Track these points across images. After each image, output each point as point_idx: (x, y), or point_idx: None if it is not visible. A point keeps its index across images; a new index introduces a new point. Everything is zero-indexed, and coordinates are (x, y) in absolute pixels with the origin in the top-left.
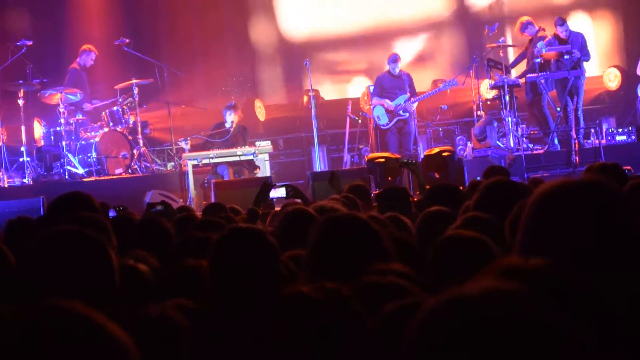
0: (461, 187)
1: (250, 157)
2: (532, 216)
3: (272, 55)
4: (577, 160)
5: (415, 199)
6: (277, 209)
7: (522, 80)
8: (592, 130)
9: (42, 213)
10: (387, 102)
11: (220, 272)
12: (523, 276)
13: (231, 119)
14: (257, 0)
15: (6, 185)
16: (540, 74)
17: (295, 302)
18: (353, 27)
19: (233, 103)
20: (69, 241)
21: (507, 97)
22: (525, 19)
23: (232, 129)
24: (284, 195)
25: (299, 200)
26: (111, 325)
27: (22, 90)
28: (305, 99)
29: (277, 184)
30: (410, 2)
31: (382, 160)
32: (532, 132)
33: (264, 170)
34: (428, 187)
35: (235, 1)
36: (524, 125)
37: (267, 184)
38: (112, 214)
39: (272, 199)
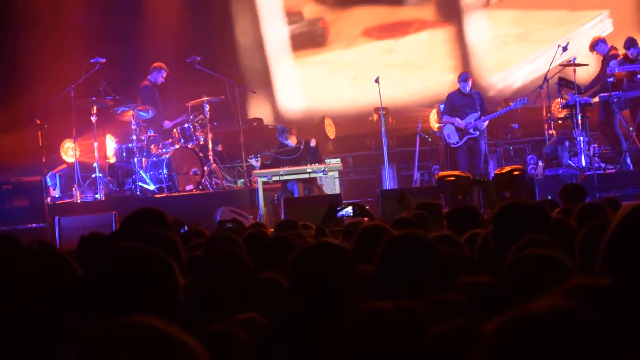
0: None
1: (320, 174)
2: (618, 237)
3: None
4: None
5: (486, 217)
6: None
7: (595, 100)
8: None
9: (114, 228)
10: (458, 121)
11: (299, 287)
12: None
13: (290, 142)
14: None
15: (79, 201)
16: (612, 93)
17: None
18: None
19: (282, 128)
20: (134, 258)
21: (579, 117)
22: (596, 37)
23: (302, 147)
24: (351, 214)
25: (366, 219)
26: (189, 338)
27: (95, 107)
28: (375, 116)
29: (344, 201)
30: None
31: (453, 178)
32: (604, 152)
33: (334, 187)
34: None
35: None
36: (596, 145)
37: (333, 204)
38: (182, 231)
39: (342, 217)
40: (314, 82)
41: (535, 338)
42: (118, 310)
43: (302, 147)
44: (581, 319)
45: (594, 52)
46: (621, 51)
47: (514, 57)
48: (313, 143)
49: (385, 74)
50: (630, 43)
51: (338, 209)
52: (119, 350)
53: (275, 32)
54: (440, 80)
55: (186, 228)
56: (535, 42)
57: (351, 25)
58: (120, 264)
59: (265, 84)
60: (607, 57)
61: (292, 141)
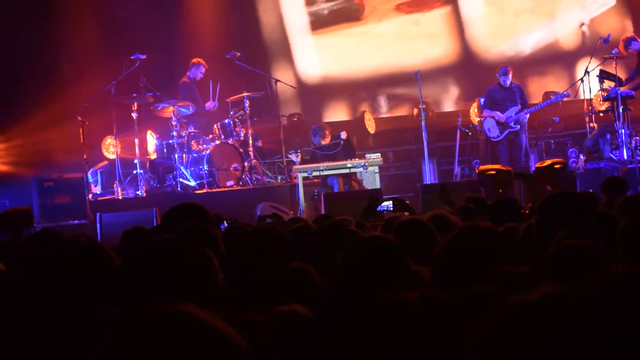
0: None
1: (360, 169)
2: None
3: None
4: None
5: (527, 211)
6: None
7: (636, 92)
8: None
9: (155, 224)
10: (498, 114)
11: (348, 278)
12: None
13: (324, 142)
14: None
15: (120, 197)
16: None
17: (393, 309)
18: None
19: (316, 128)
20: (169, 249)
21: (620, 109)
22: (628, 34)
23: (342, 141)
24: (391, 208)
25: (406, 213)
26: (227, 327)
27: (135, 104)
28: (415, 111)
29: (384, 197)
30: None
31: (493, 172)
32: None
33: (374, 182)
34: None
35: None
36: (638, 137)
37: (373, 199)
38: (223, 226)
39: (382, 211)
40: (348, 52)
41: (530, 329)
42: (156, 300)
43: (341, 142)
44: (580, 304)
45: (629, 51)
46: None
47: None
48: (344, 135)
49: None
50: None
51: (378, 203)
52: (157, 337)
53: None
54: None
55: (226, 224)
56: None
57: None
58: (159, 254)
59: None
60: None
61: (326, 141)
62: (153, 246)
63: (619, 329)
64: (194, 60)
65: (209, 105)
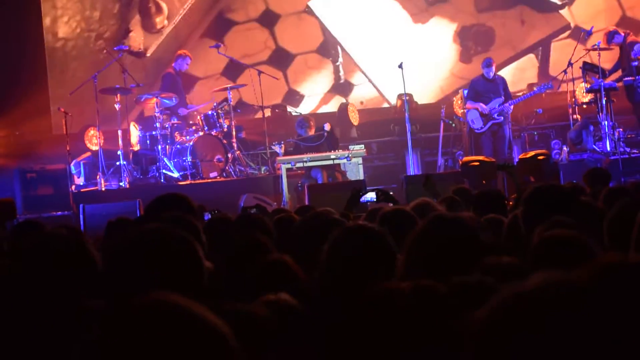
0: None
1: (344, 160)
2: None
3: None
4: None
5: (511, 202)
6: None
7: (619, 84)
8: None
9: (138, 215)
10: (482, 106)
11: (336, 268)
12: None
13: (310, 133)
14: None
15: (103, 189)
16: (637, 77)
17: (389, 298)
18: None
19: (302, 120)
20: (154, 239)
21: (603, 101)
22: (610, 28)
23: (326, 133)
24: (375, 199)
25: (390, 204)
26: (212, 315)
27: (118, 95)
28: (398, 102)
29: (368, 188)
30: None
31: (477, 163)
32: (628, 136)
33: (358, 174)
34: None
35: None
36: (621, 129)
37: (356, 190)
38: (206, 217)
39: (366, 202)
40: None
41: (530, 316)
42: (142, 291)
43: (325, 133)
44: (579, 292)
45: (612, 45)
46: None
47: None
48: (327, 127)
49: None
50: None
51: (361, 194)
52: (142, 326)
53: None
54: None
55: (210, 215)
56: None
57: None
58: (144, 244)
59: None
60: (628, 43)
61: (311, 133)
62: (138, 236)
63: (612, 318)
64: (180, 51)
65: (183, 111)
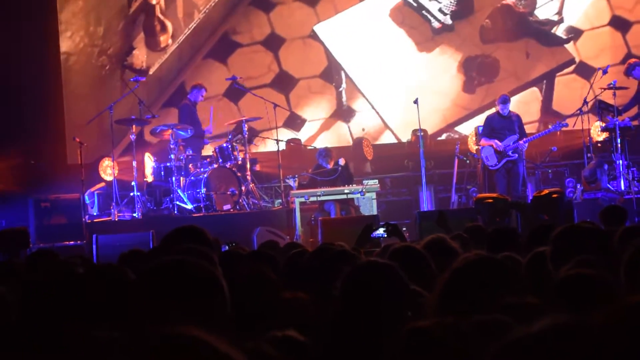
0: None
1: (357, 195)
2: None
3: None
4: None
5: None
6: None
7: (635, 123)
8: None
9: (151, 247)
10: (497, 143)
11: (351, 304)
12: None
13: (328, 165)
14: None
15: (117, 219)
16: None
17: (415, 337)
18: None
19: (324, 150)
20: (178, 271)
21: (618, 140)
22: (632, 60)
23: (340, 167)
24: (385, 236)
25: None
26: (234, 351)
27: (134, 126)
28: (412, 138)
29: (381, 223)
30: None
31: (491, 200)
32: None
33: (371, 209)
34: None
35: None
36: (635, 168)
37: (368, 226)
38: (224, 249)
39: (378, 237)
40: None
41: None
42: (162, 322)
43: (339, 168)
44: (583, 335)
45: (630, 77)
46: None
47: None
48: (342, 162)
49: None
50: None
51: (372, 230)
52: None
53: None
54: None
55: (227, 247)
56: None
57: None
58: (167, 274)
59: None
60: None
61: (331, 165)
62: (161, 267)
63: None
64: (195, 83)
65: (208, 128)
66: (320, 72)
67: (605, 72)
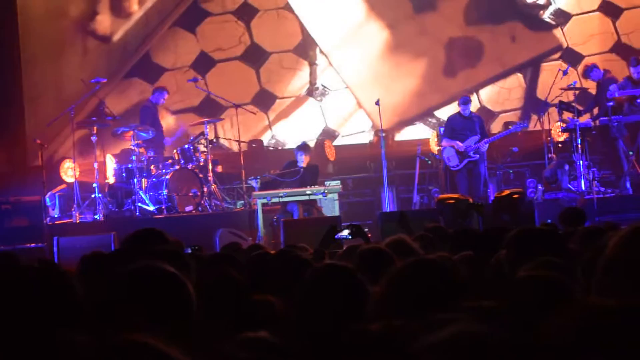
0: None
1: (320, 196)
2: (614, 258)
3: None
4: None
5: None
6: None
7: (595, 124)
8: None
9: (112, 249)
10: (458, 144)
11: (309, 308)
12: (603, 315)
13: (302, 159)
14: None
15: (78, 222)
16: (612, 117)
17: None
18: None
19: (305, 144)
20: (144, 276)
21: (579, 140)
22: (589, 63)
23: (302, 169)
24: (349, 237)
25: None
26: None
27: (95, 128)
28: (375, 139)
29: (344, 224)
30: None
31: (452, 201)
32: (603, 176)
33: (334, 210)
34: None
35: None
36: (596, 169)
37: (333, 227)
38: (186, 252)
39: (340, 239)
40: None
41: None
42: (130, 328)
43: (302, 169)
44: (488, 343)
45: (588, 79)
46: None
47: None
48: (303, 163)
49: None
50: (635, 62)
51: (337, 231)
52: None
53: None
54: None
55: (190, 250)
56: None
57: None
58: (134, 280)
59: None
60: (605, 81)
61: (304, 159)
62: (129, 273)
63: None
64: (158, 85)
65: (168, 140)
66: (294, 47)
67: (565, 72)
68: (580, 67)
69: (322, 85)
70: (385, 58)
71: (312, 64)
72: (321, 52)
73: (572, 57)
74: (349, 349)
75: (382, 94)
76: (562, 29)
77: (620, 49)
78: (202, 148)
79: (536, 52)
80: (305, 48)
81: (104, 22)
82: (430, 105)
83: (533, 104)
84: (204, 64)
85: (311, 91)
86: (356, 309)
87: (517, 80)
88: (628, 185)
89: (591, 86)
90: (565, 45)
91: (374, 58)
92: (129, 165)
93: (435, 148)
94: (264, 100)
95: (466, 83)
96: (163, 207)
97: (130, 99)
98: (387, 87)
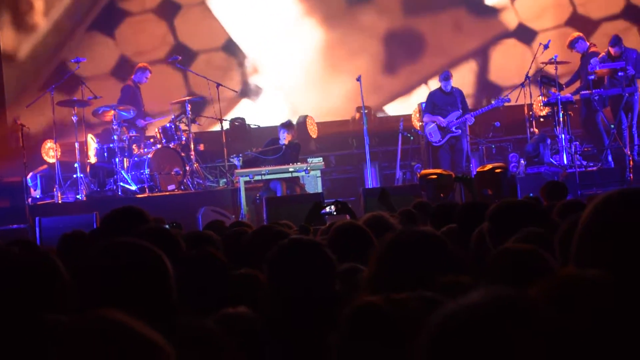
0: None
1: (302, 173)
2: (587, 226)
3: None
4: (632, 177)
5: None
6: None
7: (576, 97)
8: None
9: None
10: (440, 119)
11: (278, 282)
12: (582, 286)
13: (284, 136)
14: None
15: (60, 202)
16: (594, 90)
17: (368, 314)
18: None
19: (289, 121)
20: (122, 253)
21: (560, 114)
22: (575, 34)
23: (284, 146)
24: (334, 213)
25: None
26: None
27: (76, 108)
28: (357, 115)
29: (327, 201)
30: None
31: (435, 176)
32: (585, 149)
33: (316, 187)
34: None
35: None
36: (577, 142)
37: (317, 204)
38: None
39: (325, 214)
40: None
41: (473, 331)
42: (109, 305)
43: (284, 146)
44: (522, 308)
45: (573, 50)
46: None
47: None
48: (285, 141)
49: None
50: (615, 41)
51: (322, 207)
52: (84, 343)
53: None
54: None
55: (169, 227)
56: None
57: None
58: (111, 258)
59: None
60: (588, 55)
61: (287, 137)
62: (104, 250)
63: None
64: (140, 64)
65: (141, 122)
66: (222, 45)
67: (546, 47)
68: (567, 40)
69: (256, 85)
70: (318, 56)
71: (242, 63)
72: (248, 49)
73: (524, 33)
74: (344, 322)
75: (317, 98)
76: (512, 5)
77: (577, 21)
78: (183, 127)
79: (483, 39)
80: (234, 46)
81: (6, 39)
82: (371, 105)
83: (487, 90)
84: (124, 69)
85: (245, 92)
86: (323, 280)
87: (468, 65)
88: (610, 158)
89: (574, 59)
90: (517, 21)
91: (305, 57)
92: (111, 145)
93: (417, 124)
94: (196, 104)
95: (408, 79)
96: (145, 186)
97: (49, 115)
98: (323, 90)
